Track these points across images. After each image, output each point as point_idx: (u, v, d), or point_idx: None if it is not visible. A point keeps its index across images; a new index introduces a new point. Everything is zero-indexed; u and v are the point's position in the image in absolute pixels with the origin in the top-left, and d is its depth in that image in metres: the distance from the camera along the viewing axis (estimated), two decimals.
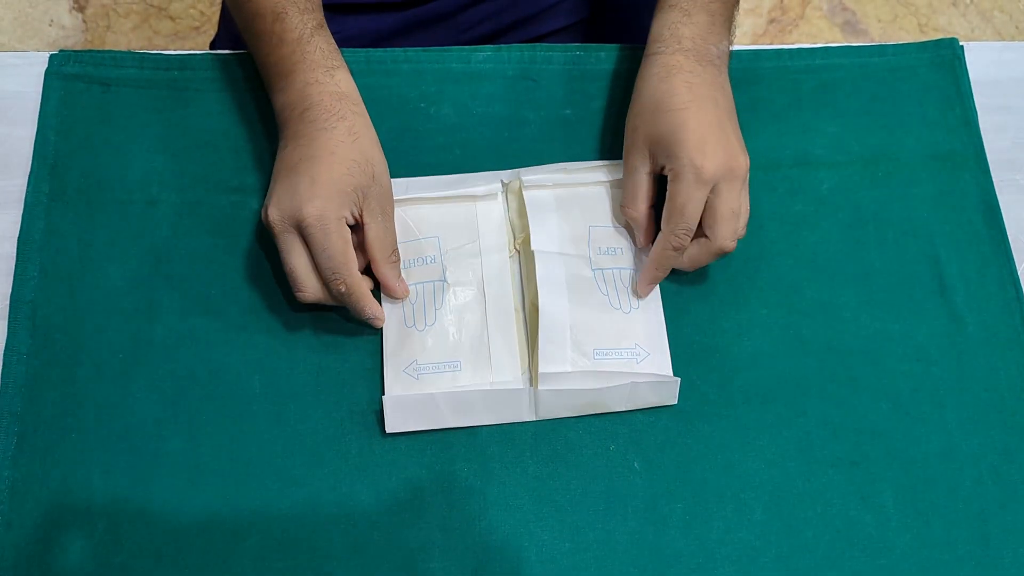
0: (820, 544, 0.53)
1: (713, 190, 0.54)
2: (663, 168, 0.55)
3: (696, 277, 0.59)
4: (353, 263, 0.53)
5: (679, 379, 0.55)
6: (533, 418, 0.55)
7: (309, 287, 0.54)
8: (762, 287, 0.59)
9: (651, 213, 0.58)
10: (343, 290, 0.53)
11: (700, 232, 0.56)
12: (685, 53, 0.56)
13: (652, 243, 0.57)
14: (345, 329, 0.57)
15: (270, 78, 0.58)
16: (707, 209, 0.54)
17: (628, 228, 0.59)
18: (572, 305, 0.56)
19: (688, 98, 0.55)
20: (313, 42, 0.56)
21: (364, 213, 0.54)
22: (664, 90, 0.55)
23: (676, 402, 0.56)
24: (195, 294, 0.57)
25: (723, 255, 0.56)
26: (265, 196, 0.56)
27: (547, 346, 0.54)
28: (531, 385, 0.55)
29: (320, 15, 0.58)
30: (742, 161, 0.55)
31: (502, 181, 0.61)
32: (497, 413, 0.54)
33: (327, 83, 0.56)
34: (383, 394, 0.55)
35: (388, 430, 0.53)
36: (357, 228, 0.55)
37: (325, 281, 0.53)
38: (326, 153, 0.53)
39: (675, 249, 0.55)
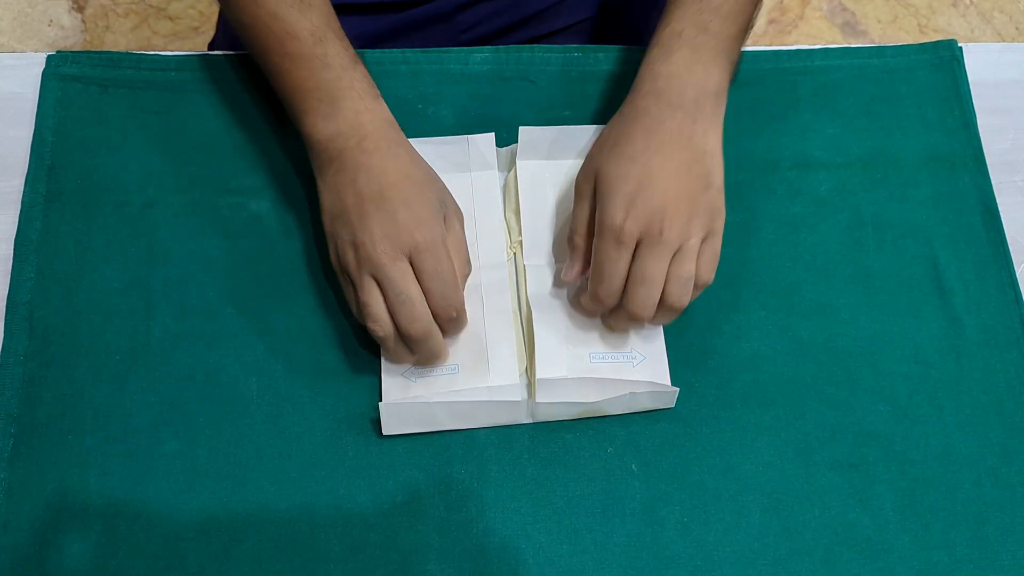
0: (819, 546, 0.53)
1: (635, 252, 0.52)
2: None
3: None
4: (461, 294, 0.53)
5: (678, 389, 0.55)
6: (530, 421, 0.55)
7: (424, 315, 0.52)
8: (760, 289, 0.59)
9: (589, 244, 0.54)
10: (453, 316, 0.53)
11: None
12: (656, 95, 0.54)
13: (577, 279, 0.55)
14: (343, 332, 0.57)
15: (309, 102, 0.55)
16: (628, 271, 0.52)
17: None
18: (566, 314, 0.56)
19: (641, 148, 0.52)
20: (358, 69, 0.56)
21: (445, 223, 0.54)
22: (624, 133, 0.53)
23: (674, 406, 0.55)
24: (192, 296, 0.57)
25: (640, 323, 0.54)
26: (332, 244, 0.54)
27: (543, 352, 0.54)
28: (529, 393, 0.55)
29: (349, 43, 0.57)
30: (668, 226, 0.51)
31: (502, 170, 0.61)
32: (495, 420, 0.54)
33: (378, 111, 0.55)
34: (380, 397, 0.55)
35: (384, 433, 0.53)
36: None
37: (436, 310, 0.52)
38: (404, 178, 0.53)
39: (602, 307, 0.54)
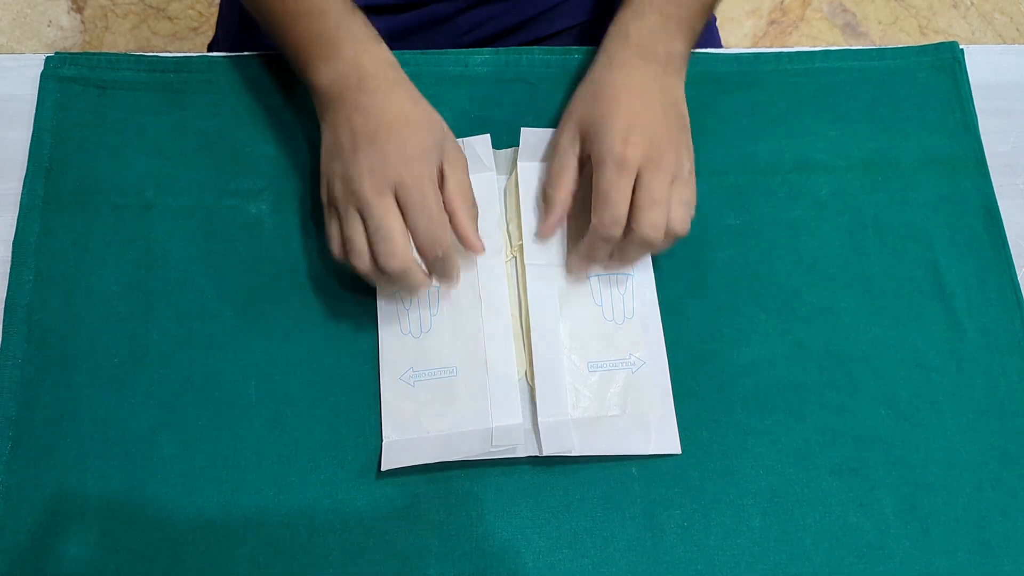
0: (819, 551, 0.53)
1: (637, 179, 0.53)
2: (589, 156, 0.56)
3: (694, 283, 0.59)
4: (448, 233, 0.53)
5: (680, 452, 0.54)
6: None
7: (403, 251, 0.52)
8: (761, 292, 0.59)
9: (570, 201, 0.57)
10: (439, 255, 0.52)
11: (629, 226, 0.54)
12: (631, 49, 0.58)
13: (554, 231, 0.57)
14: (342, 335, 0.57)
15: (312, 50, 0.56)
16: (632, 198, 0.54)
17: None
18: (565, 321, 0.56)
19: (624, 89, 0.56)
20: (357, 15, 0.57)
21: (445, 165, 0.54)
22: (604, 79, 0.57)
23: (679, 452, 0.55)
24: (191, 298, 0.57)
25: (653, 248, 0.55)
26: (323, 177, 0.55)
27: (545, 389, 0.54)
28: (533, 428, 0.54)
29: None
30: (666, 152, 0.54)
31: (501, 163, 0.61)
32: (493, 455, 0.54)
33: (378, 52, 0.56)
34: (380, 401, 0.55)
35: (384, 468, 0.53)
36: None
37: (421, 247, 0.52)
38: (400, 118, 0.54)
39: (604, 240, 0.54)
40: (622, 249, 0.56)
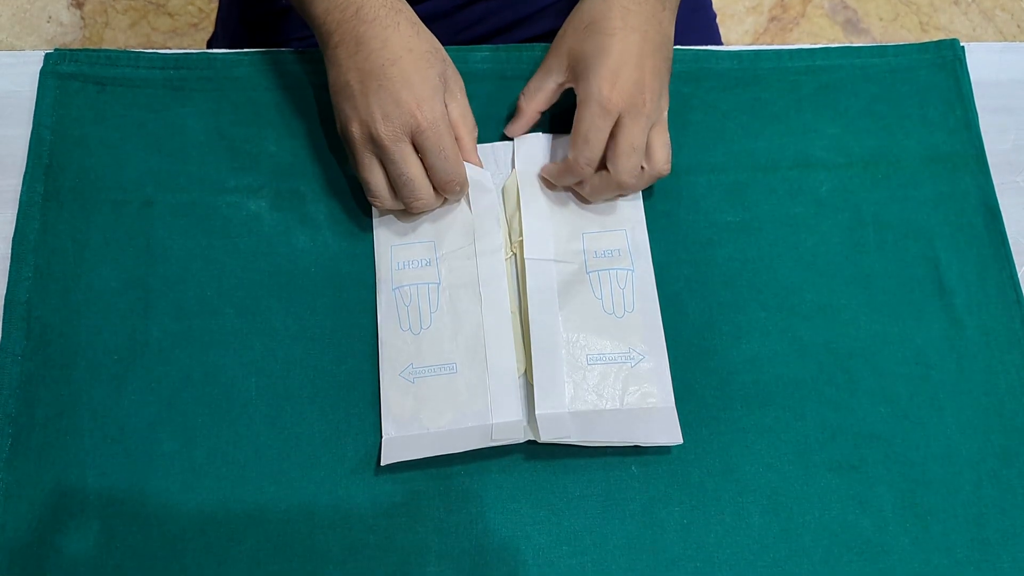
0: (818, 548, 0.53)
1: (617, 123, 0.55)
2: (572, 87, 0.57)
3: (694, 279, 0.59)
4: (463, 170, 0.56)
5: (681, 440, 0.54)
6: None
7: (426, 193, 0.55)
8: (761, 289, 0.59)
9: (537, 117, 0.60)
10: (458, 191, 0.56)
11: (603, 164, 0.57)
12: None
13: (518, 135, 0.61)
14: (342, 332, 0.57)
15: None
16: (610, 141, 0.55)
17: (621, 224, 0.59)
18: (564, 315, 0.56)
19: (619, 25, 0.55)
20: None
21: (446, 94, 0.55)
22: (600, 11, 0.57)
23: (681, 441, 0.54)
24: (191, 295, 0.57)
25: (626, 190, 0.57)
26: (337, 116, 0.56)
27: (543, 382, 0.54)
28: (529, 422, 0.54)
29: None
30: (649, 98, 0.55)
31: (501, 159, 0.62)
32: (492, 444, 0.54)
33: None
34: (380, 398, 0.55)
35: (383, 463, 0.53)
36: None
37: (439, 184, 0.55)
38: (405, 52, 0.54)
39: (575, 175, 0.57)
40: (596, 186, 0.58)
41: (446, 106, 0.55)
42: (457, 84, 0.57)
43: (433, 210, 0.58)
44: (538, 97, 0.59)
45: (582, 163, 0.56)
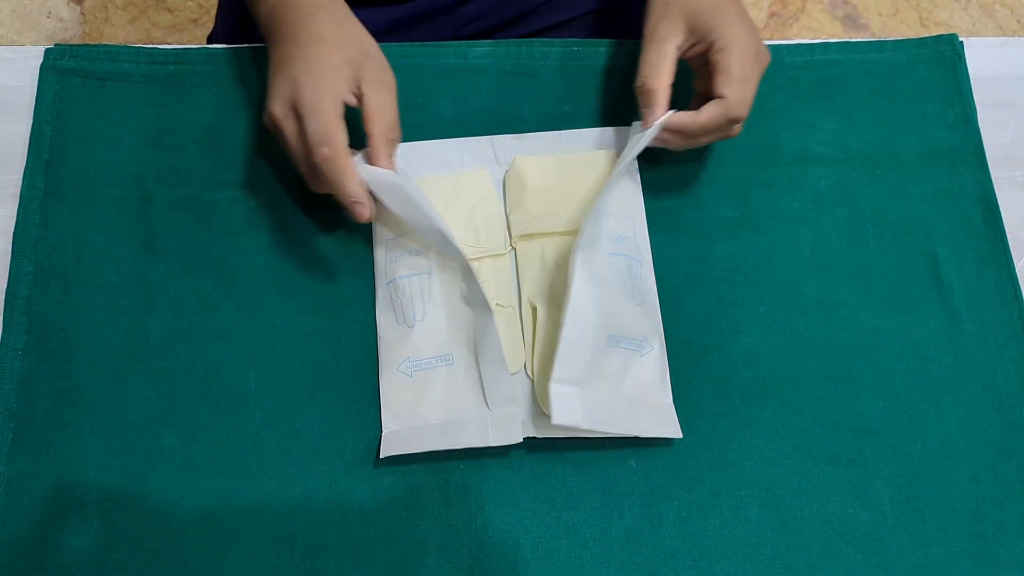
0: (816, 541, 0.53)
1: None
2: (697, 43, 0.56)
3: (692, 274, 0.59)
4: (340, 134, 0.52)
5: (681, 435, 0.54)
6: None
7: (307, 168, 0.54)
8: (760, 284, 0.59)
9: (670, 91, 0.56)
10: (326, 153, 0.51)
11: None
12: None
13: (656, 121, 0.56)
14: (341, 326, 0.57)
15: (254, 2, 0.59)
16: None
17: (628, 216, 0.59)
18: (597, 295, 0.54)
19: (736, 12, 0.56)
20: None
21: (363, 84, 0.54)
22: None
23: (681, 436, 0.54)
24: (191, 290, 0.57)
25: (737, 125, 0.57)
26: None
27: (565, 358, 0.52)
28: (531, 418, 0.54)
29: None
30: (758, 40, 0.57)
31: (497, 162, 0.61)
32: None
33: None
34: (379, 392, 0.55)
35: (383, 456, 0.53)
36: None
37: (310, 153, 0.52)
38: (314, 38, 0.54)
39: (731, 121, 0.56)
40: (713, 123, 0.56)
41: (360, 97, 0.54)
42: (379, 77, 0.54)
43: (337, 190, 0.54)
44: (664, 67, 0.56)
45: (739, 106, 0.55)
